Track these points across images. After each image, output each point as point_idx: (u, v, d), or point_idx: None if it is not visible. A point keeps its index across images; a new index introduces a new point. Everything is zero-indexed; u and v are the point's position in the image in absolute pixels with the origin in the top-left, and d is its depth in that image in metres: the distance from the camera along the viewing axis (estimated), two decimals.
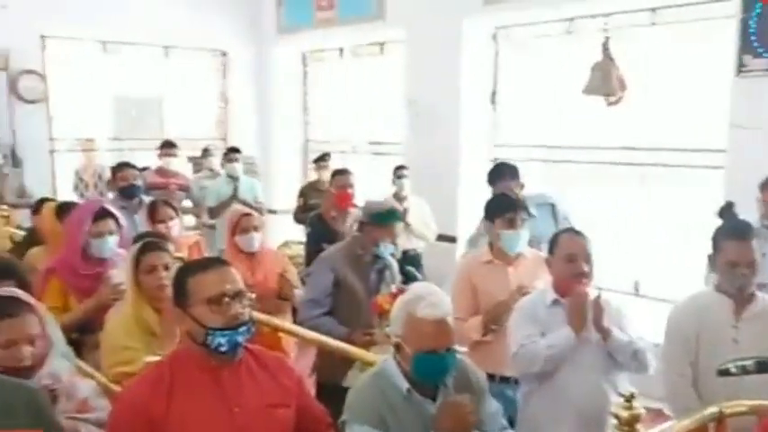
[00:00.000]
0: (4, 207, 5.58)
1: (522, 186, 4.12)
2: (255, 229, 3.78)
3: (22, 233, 4.66)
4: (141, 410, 1.87)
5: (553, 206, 4.20)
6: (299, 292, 3.75)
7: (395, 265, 3.53)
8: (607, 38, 5.13)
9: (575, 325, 2.59)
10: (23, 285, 2.44)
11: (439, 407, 2.05)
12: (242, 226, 3.75)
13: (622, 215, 5.46)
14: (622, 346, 2.61)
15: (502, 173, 4.17)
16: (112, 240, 3.25)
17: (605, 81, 5.08)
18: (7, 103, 6.68)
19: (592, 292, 2.62)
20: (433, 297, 2.09)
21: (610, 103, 5.12)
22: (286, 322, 3.55)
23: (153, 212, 4.07)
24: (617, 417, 1.87)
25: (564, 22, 5.65)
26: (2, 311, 1.94)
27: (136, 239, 3.31)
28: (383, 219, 3.39)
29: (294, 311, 3.85)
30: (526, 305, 2.78)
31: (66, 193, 7.06)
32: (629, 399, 1.86)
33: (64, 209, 3.75)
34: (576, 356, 2.60)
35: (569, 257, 2.66)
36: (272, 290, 3.73)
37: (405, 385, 2.09)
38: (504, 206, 3.25)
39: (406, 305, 2.11)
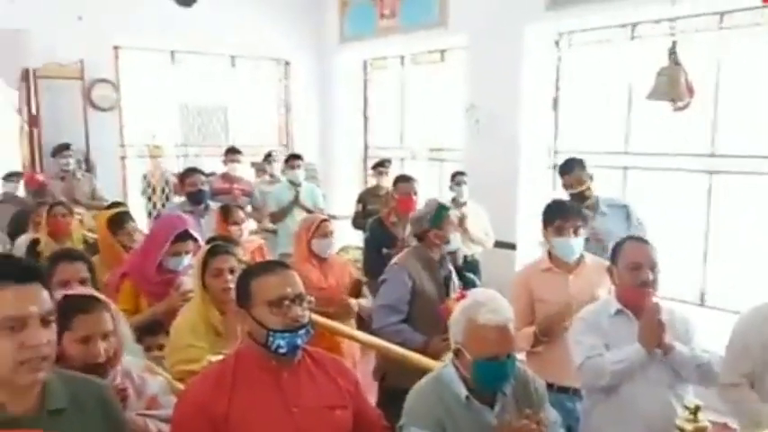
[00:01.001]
0: (79, 210, 5.83)
1: (590, 177, 4.12)
2: (332, 234, 3.86)
3: (95, 236, 4.84)
4: (204, 407, 1.91)
5: (627, 208, 4.15)
6: (364, 301, 3.80)
7: (454, 273, 3.53)
8: (674, 42, 5.01)
9: (646, 342, 2.51)
10: (92, 270, 2.55)
11: (500, 422, 2.04)
12: (321, 231, 3.83)
13: (688, 223, 5.32)
14: (686, 361, 2.53)
15: (572, 164, 4.18)
16: (188, 259, 3.32)
17: (672, 86, 4.95)
18: (82, 111, 6.94)
19: (658, 304, 2.55)
20: (494, 303, 2.09)
21: (676, 109, 4.98)
22: (350, 327, 3.59)
23: (226, 215, 4.19)
24: (681, 429, 1.82)
25: (628, 27, 5.56)
26: (77, 307, 2.01)
27: (208, 242, 3.43)
28: (440, 216, 3.38)
29: (359, 318, 3.89)
30: (589, 315, 2.72)
31: (135, 197, 7.33)
32: (694, 411, 1.82)
33: (115, 220, 3.89)
34: (642, 370, 2.54)
35: (634, 266, 2.59)
36: (342, 294, 3.79)
37: (463, 392, 2.09)
38: (554, 213, 3.20)
39: (466, 311, 2.10)
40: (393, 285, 3.32)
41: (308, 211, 6.02)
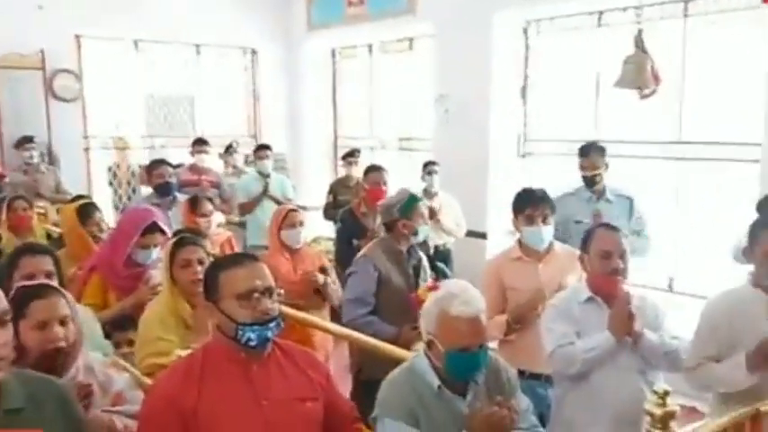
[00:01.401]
0: (41, 204, 5.71)
1: (606, 166, 4.24)
2: (301, 224, 3.83)
3: (59, 230, 4.74)
4: (173, 401, 1.89)
5: (631, 201, 4.24)
6: (335, 288, 3.79)
7: (425, 259, 3.54)
8: (640, 30, 5.05)
9: (616, 331, 2.54)
10: (57, 263, 2.51)
11: (473, 413, 2.04)
12: (289, 221, 3.80)
13: (656, 210, 5.38)
14: (654, 348, 2.57)
15: (589, 148, 4.29)
16: (156, 252, 3.28)
17: (638, 74, 5.00)
18: (44, 102, 6.80)
19: (629, 293, 2.58)
20: (466, 294, 2.09)
21: (643, 96, 5.04)
22: (320, 318, 3.57)
23: (194, 207, 4.13)
24: (651, 414, 1.85)
25: (595, 14, 5.59)
26: (32, 294, 1.98)
27: (173, 235, 3.38)
28: (410, 206, 3.38)
29: (333, 310, 3.88)
30: (560, 302, 2.75)
31: (100, 190, 7.20)
32: (663, 396, 1.84)
33: (84, 211, 3.81)
34: (612, 357, 2.57)
35: (604, 254, 2.62)
36: (312, 286, 3.76)
37: (436, 382, 2.09)
38: (524, 202, 3.21)
39: (438, 302, 2.10)
40: (359, 278, 3.33)
41: (278, 203, 5.97)
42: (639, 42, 5.04)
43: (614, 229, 2.73)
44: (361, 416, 2.26)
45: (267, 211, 5.31)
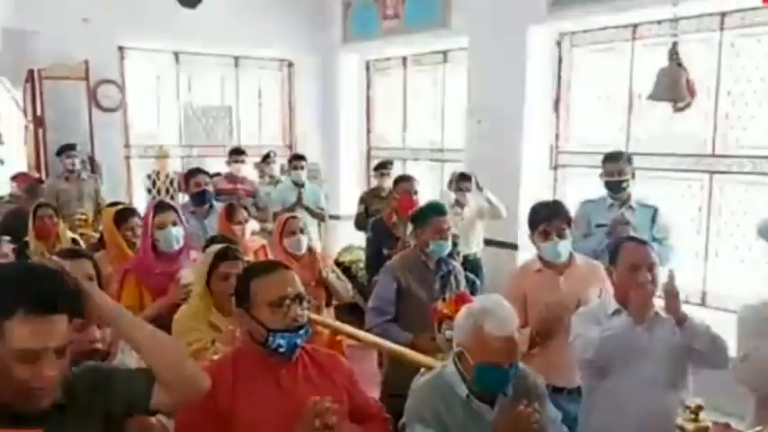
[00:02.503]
0: (82, 210, 5.87)
1: (633, 174, 4.24)
2: (301, 231, 3.85)
3: (96, 235, 4.85)
4: (209, 398, 1.93)
5: (655, 210, 4.21)
6: (343, 283, 3.87)
7: (460, 270, 3.53)
8: (675, 43, 5.02)
9: (637, 313, 2.51)
10: (96, 267, 2.60)
11: (500, 417, 2.05)
12: (288, 228, 3.84)
13: (689, 223, 5.33)
14: (700, 331, 2.50)
15: (619, 155, 4.32)
16: (176, 231, 3.35)
17: (673, 87, 4.96)
18: (87, 111, 6.98)
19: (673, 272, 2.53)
20: (502, 312, 2.09)
21: (677, 109, 5.00)
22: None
23: (230, 214, 4.21)
24: (682, 429, 1.82)
25: (629, 28, 5.58)
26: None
27: (209, 242, 3.45)
28: (424, 216, 3.42)
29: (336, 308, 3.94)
30: (588, 312, 2.74)
31: (139, 198, 7.38)
32: (696, 411, 1.82)
33: (123, 215, 3.87)
34: (640, 369, 2.54)
35: (632, 267, 2.59)
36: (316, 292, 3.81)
37: (464, 391, 2.11)
38: (538, 217, 3.20)
39: (473, 316, 2.10)
40: (380, 287, 3.41)
41: (311, 212, 6.06)
42: (674, 55, 5.00)
43: (643, 242, 2.71)
44: None
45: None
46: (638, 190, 4.33)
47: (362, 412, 2.16)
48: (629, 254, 2.64)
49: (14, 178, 6.55)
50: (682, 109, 5.00)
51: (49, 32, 6.58)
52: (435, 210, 3.48)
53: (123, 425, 1.74)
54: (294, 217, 3.94)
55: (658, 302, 2.59)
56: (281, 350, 2.00)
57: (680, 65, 4.98)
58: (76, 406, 1.61)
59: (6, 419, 1.50)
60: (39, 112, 6.80)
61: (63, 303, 1.52)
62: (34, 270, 1.54)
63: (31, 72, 6.73)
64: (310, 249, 3.93)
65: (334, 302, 4.07)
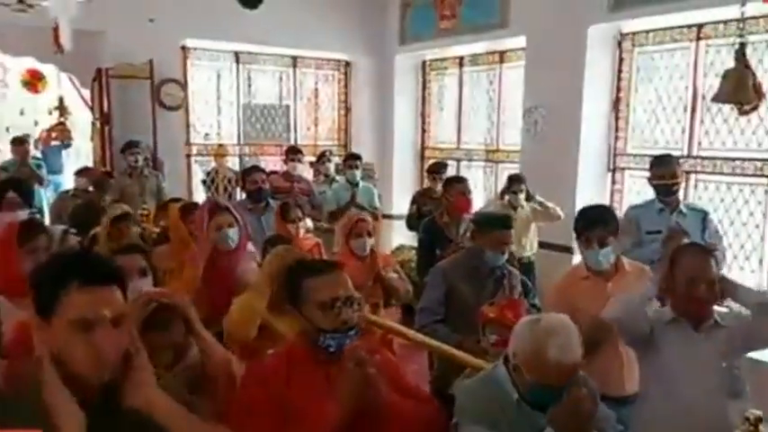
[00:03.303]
0: (145, 206, 6.04)
1: (682, 174, 4.18)
2: (369, 234, 3.89)
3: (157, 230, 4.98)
4: (267, 383, 2.01)
5: (705, 215, 4.13)
6: (403, 283, 3.90)
7: (516, 276, 3.50)
8: (742, 44, 4.86)
9: (694, 324, 2.52)
10: (149, 260, 2.69)
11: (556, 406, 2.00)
12: (356, 230, 3.88)
13: (754, 229, 5.15)
14: (751, 294, 2.52)
15: (670, 158, 4.24)
16: (232, 233, 3.44)
17: (739, 89, 4.79)
18: (150, 110, 7.17)
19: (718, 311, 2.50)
20: (567, 339, 2.01)
21: (743, 112, 4.84)
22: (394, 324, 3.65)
23: (285, 213, 4.29)
24: None
25: (693, 28, 5.43)
26: (154, 325, 2.02)
27: (266, 243, 3.54)
28: (489, 225, 3.41)
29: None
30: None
31: (199, 195, 7.56)
32: (756, 423, 1.77)
33: (188, 209, 4.01)
34: (700, 377, 2.48)
35: (691, 281, 2.51)
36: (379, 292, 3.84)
37: (515, 395, 2.09)
38: (580, 224, 3.15)
39: (536, 335, 2.03)
40: (429, 288, 3.43)
41: (364, 211, 6.08)
42: (741, 56, 4.85)
43: (706, 252, 2.61)
44: None
45: None
46: (698, 194, 4.22)
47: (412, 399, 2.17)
48: (688, 266, 2.55)
49: (79, 173, 6.78)
50: (747, 112, 4.84)
51: (116, 33, 6.80)
52: (501, 222, 3.45)
53: None
54: (364, 220, 3.96)
55: (717, 310, 2.53)
56: (331, 350, 2.03)
57: (747, 66, 4.82)
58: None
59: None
60: (105, 110, 7.04)
61: (115, 276, 1.58)
62: (86, 251, 1.60)
63: (98, 71, 6.98)
64: (372, 250, 3.97)
65: (394, 303, 4.09)
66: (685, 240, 3.68)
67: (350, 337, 2.05)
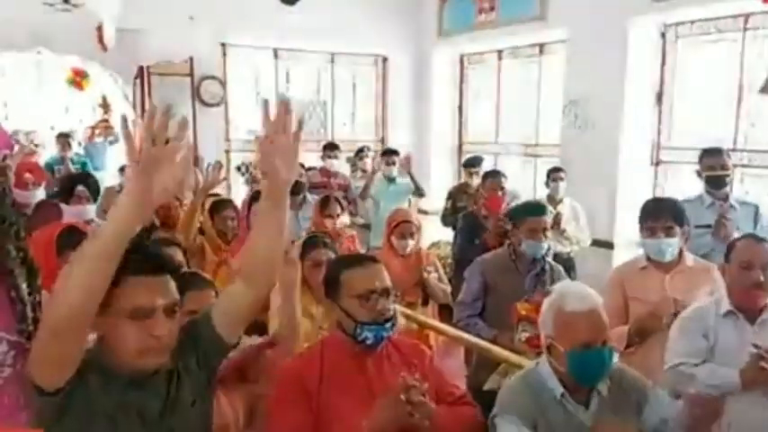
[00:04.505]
0: (186, 202, 6.11)
1: (732, 166, 4.11)
2: (411, 236, 3.89)
3: None
4: (300, 379, 2.03)
5: (757, 208, 4.03)
6: (442, 286, 3.86)
7: (559, 271, 3.46)
8: None
9: (747, 383, 2.39)
10: (186, 254, 2.72)
11: (598, 421, 2.00)
12: (400, 231, 3.88)
13: None
14: None
15: (720, 150, 4.16)
16: None
17: None
18: (191, 106, 7.29)
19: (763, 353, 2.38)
20: (580, 291, 2.07)
21: None
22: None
23: (324, 207, 4.30)
24: None
25: (740, 18, 5.27)
26: (189, 285, 2.10)
27: (306, 240, 3.55)
28: (520, 215, 3.40)
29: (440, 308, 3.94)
30: (695, 314, 2.62)
31: (239, 190, 7.64)
32: None
33: (217, 206, 4.10)
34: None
35: (746, 264, 2.48)
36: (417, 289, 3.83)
37: (559, 389, 2.06)
38: (646, 213, 3.11)
39: (552, 304, 2.07)
40: (468, 282, 3.42)
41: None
42: None
43: (760, 239, 2.58)
44: None
45: None
46: (746, 188, 4.10)
47: (447, 398, 2.17)
48: (742, 251, 2.54)
49: (123, 169, 6.90)
50: None
51: (157, 31, 6.89)
52: (532, 209, 3.46)
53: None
54: (408, 221, 3.94)
55: None
56: (368, 342, 2.05)
57: None
58: (183, 368, 1.70)
59: (127, 386, 1.59)
60: (147, 107, 7.15)
61: (167, 266, 1.63)
62: (137, 241, 1.63)
63: (140, 69, 7.10)
64: (417, 251, 3.95)
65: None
66: (736, 234, 3.59)
67: (387, 330, 2.07)
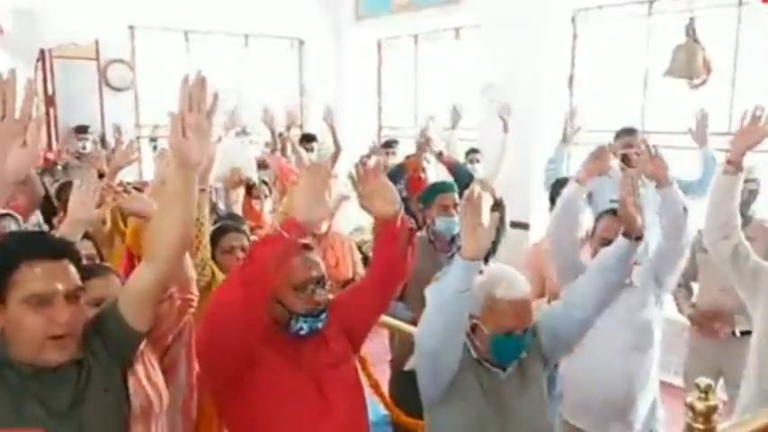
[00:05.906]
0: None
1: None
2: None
3: None
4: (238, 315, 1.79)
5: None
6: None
7: None
8: (692, 18, 4.93)
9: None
10: (98, 248, 2.61)
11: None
12: None
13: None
14: (677, 198, 2.76)
15: (631, 130, 4.39)
16: None
17: (689, 63, 4.89)
18: (98, 91, 6.99)
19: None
20: (512, 278, 2.09)
21: (693, 86, 4.93)
22: None
23: (250, 190, 4.21)
24: (692, 408, 1.81)
25: (645, 3, 5.47)
26: (92, 273, 1.98)
27: (216, 223, 3.46)
28: (429, 194, 3.46)
29: None
30: None
31: (149, 176, 7.38)
32: (706, 390, 1.80)
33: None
34: (608, 334, 2.60)
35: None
36: (343, 277, 3.79)
37: (474, 355, 2.13)
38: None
39: (483, 286, 2.08)
40: None
41: None
42: (691, 31, 4.92)
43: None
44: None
45: None
46: None
47: (356, 303, 2.16)
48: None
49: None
50: (698, 86, 4.92)
51: (59, 12, 6.55)
52: (440, 186, 3.51)
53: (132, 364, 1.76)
54: None
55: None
56: (302, 333, 1.97)
57: (696, 41, 4.90)
58: (92, 357, 1.61)
59: (29, 378, 1.50)
60: (50, 92, 6.80)
61: (66, 250, 1.54)
62: (35, 231, 1.55)
63: (42, 52, 6.73)
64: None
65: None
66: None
67: (321, 321, 1.99)
